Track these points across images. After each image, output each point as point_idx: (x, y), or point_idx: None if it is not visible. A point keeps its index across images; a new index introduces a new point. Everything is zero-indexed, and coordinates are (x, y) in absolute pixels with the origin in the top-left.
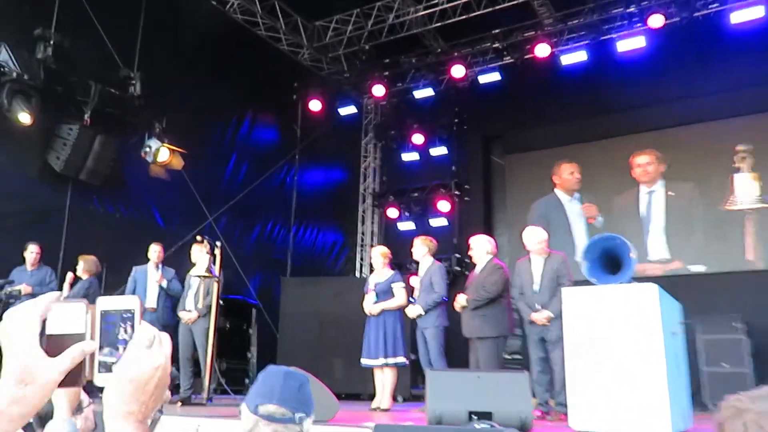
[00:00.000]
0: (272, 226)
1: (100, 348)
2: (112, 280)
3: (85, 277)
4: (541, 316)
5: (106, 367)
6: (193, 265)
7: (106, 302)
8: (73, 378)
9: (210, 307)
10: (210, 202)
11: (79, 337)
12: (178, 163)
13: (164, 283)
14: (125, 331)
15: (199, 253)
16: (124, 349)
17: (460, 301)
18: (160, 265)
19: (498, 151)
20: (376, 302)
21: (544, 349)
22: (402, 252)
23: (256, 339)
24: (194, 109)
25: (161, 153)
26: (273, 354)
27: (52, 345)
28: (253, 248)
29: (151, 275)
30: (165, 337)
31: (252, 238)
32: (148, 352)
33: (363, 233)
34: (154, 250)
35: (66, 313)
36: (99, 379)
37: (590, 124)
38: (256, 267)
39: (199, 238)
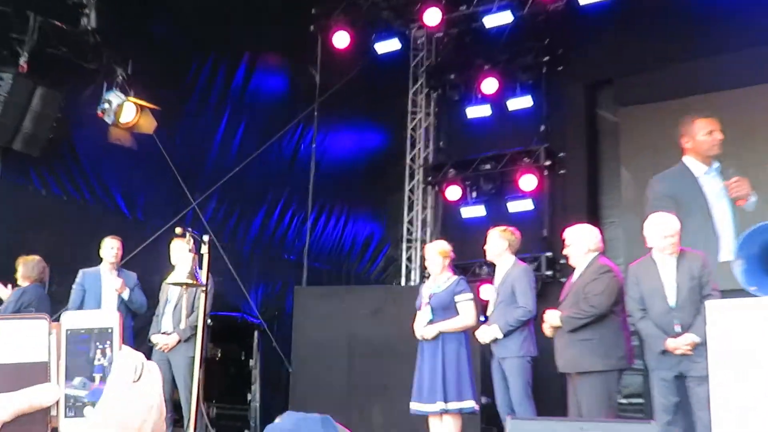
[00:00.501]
0: (281, 215)
1: (69, 378)
2: (58, 289)
3: (25, 284)
4: (682, 343)
5: (76, 409)
6: (172, 268)
7: (75, 319)
8: (27, 427)
9: (195, 328)
10: (194, 179)
11: (40, 368)
12: (148, 125)
13: (125, 293)
14: (103, 355)
15: (179, 252)
16: (102, 379)
17: (552, 320)
18: (118, 268)
19: (608, 103)
20: (431, 322)
21: (681, 389)
22: (469, 249)
23: (260, 374)
24: (170, 49)
25: (125, 111)
26: (283, 395)
27: (1, 379)
28: (255, 245)
29: (106, 282)
30: (153, 367)
31: (253, 231)
32: (135, 388)
33: (411, 223)
34: (110, 247)
35: (20, 333)
36: (66, 427)
37: (738, 63)
38: (258, 272)
39: (178, 230)
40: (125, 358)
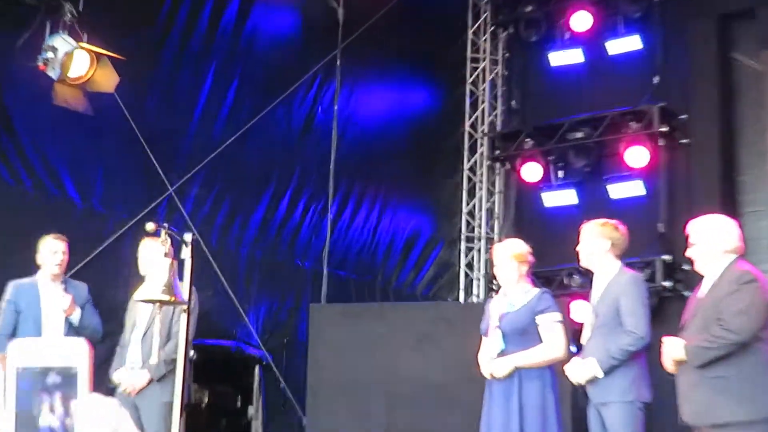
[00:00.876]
0: (291, 205)
1: None
2: None
3: None
4: None
5: None
6: (141, 280)
7: (26, 352)
8: None
9: (173, 362)
10: (170, 157)
11: None
12: (107, 82)
13: (75, 315)
14: (52, 410)
15: (151, 256)
16: None
17: (674, 351)
18: (64, 279)
19: (749, 44)
20: (503, 353)
21: None
22: (554, 252)
23: (263, 426)
24: None
25: (76, 62)
26: None
27: None
28: (255, 247)
29: (48, 299)
30: (125, 416)
31: (252, 227)
32: None
33: (471, 215)
34: (52, 250)
35: None
36: None
37: None
38: (260, 284)
39: (149, 227)
40: (94, 408)
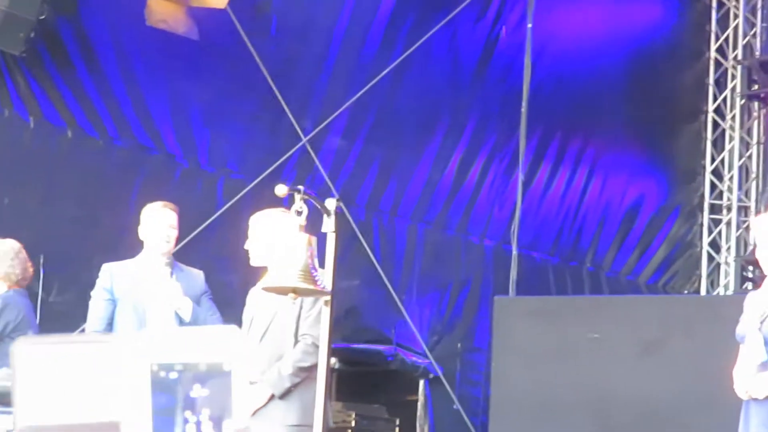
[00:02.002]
0: (464, 162)
1: None
2: (57, 298)
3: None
4: None
5: None
6: (262, 272)
7: (161, 344)
8: None
9: (302, 372)
10: (302, 99)
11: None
12: None
13: (186, 309)
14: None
15: (279, 230)
16: None
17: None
18: (167, 262)
19: None
20: (763, 366)
21: None
22: None
23: None
24: None
25: None
26: None
27: None
28: (416, 218)
29: (154, 287)
30: None
31: (411, 192)
32: None
33: (718, 175)
34: (163, 223)
35: (80, 370)
36: None
37: None
38: (424, 269)
39: (281, 190)
40: None
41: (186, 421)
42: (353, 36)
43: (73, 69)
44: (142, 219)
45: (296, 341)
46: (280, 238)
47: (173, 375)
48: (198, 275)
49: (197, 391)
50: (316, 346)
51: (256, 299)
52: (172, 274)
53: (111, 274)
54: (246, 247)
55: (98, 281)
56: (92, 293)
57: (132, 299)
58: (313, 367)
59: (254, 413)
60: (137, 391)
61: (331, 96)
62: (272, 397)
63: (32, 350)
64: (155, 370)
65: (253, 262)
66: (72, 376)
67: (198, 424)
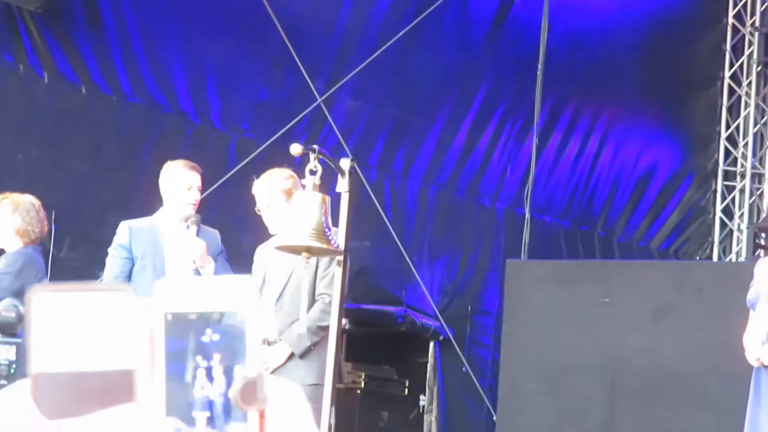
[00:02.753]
0: (477, 124)
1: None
2: (68, 254)
3: (15, 245)
4: None
5: None
6: (270, 232)
7: (176, 292)
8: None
9: (320, 332)
10: (318, 56)
11: (124, 381)
12: None
13: (208, 269)
14: (210, 377)
15: (298, 189)
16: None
17: None
18: (194, 220)
19: None
20: None
21: None
22: None
23: (439, 421)
24: None
25: None
26: None
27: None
28: (428, 179)
29: (175, 245)
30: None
31: (424, 153)
32: None
33: (733, 141)
34: (189, 184)
35: (90, 317)
36: None
37: None
38: (435, 231)
39: (296, 148)
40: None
41: (197, 366)
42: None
43: (88, 26)
44: (163, 176)
45: (313, 301)
46: (295, 199)
47: (187, 323)
48: (215, 235)
49: (208, 336)
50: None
51: (266, 258)
52: (198, 233)
53: (130, 232)
54: (257, 211)
55: (116, 238)
56: (109, 250)
57: (152, 257)
58: (327, 328)
59: (273, 372)
60: (152, 339)
61: (342, 56)
62: (292, 356)
63: (47, 297)
64: (169, 319)
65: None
66: (87, 324)
67: (209, 369)
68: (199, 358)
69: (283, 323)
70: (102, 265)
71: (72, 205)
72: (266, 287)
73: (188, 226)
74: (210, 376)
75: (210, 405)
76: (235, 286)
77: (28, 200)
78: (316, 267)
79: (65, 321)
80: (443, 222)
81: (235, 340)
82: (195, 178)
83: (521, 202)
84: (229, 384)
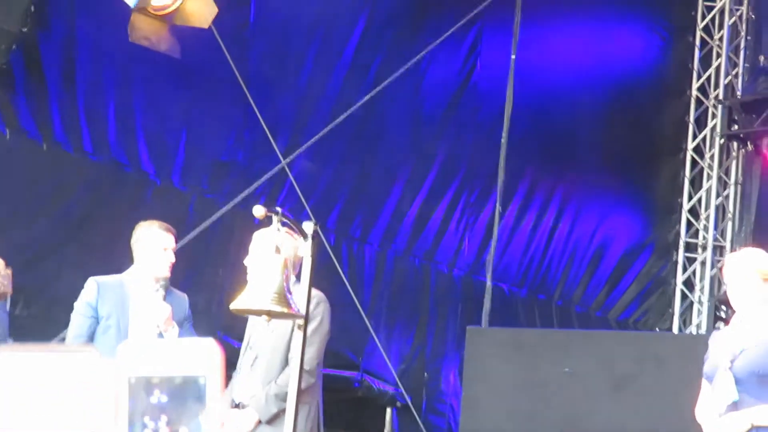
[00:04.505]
0: (434, 192)
1: None
2: (25, 311)
3: None
4: None
5: None
6: (240, 286)
7: (139, 356)
8: None
9: (284, 397)
10: (283, 120)
11: None
12: (201, 13)
13: (172, 333)
14: None
15: (255, 252)
16: None
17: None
18: (163, 284)
19: None
20: (734, 406)
21: None
22: None
23: None
24: None
25: None
26: None
27: None
28: (385, 243)
29: (140, 304)
30: None
31: (383, 217)
32: None
33: (695, 214)
34: (165, 245)
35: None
36: None
37: None
38: (393, 295)
39: (259, 211)
40: None
41: (145, 426)
42: (325, 62)
43: (51, 82)
44: (137, 235)
45: (286, 364)
46: (255, 259)
47: (147, 386)
48: (183, 299)
49: (156, 396)
50: (307, 371)
51: (255, 320)
52: (165, 297)
53: (98, 290)
54: (245, 262)
55: (82, 294)
56: (75, 304)
57: (116, 318)
58: (302, 393)
59: None
60: (114, 402)
61: (302, 118)
62: (259, 422)
63: (8, 357)
64: (133, 383)
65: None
66: (48, 387)
67: (155, 431)
68: (146, 418)
69: (258, 386)
70: (57, 323)
71: (29, 262)
72: (248, 350)
73: (157, 289)
74: None
75: None
76: (198, 349)
77: None
78: (292, 331)
79: (26, 383)
80: (401, 287)
81: (184, 401)
82: (170, 240)
83: (478, 269)
84: None
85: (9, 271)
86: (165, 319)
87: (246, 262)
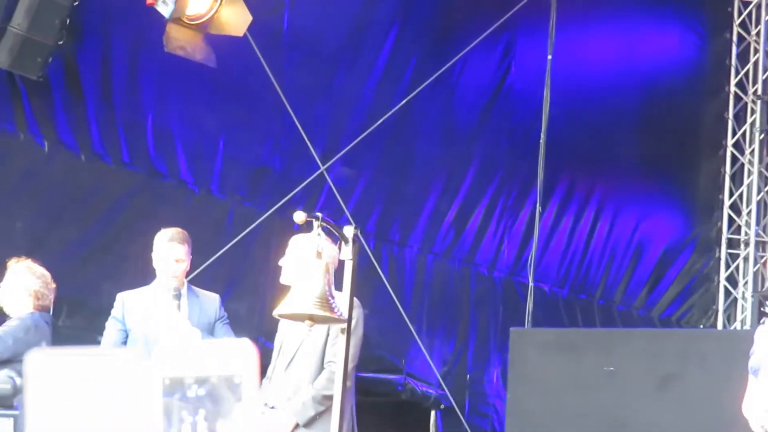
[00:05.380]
0: (472, 194)
1: None
2: (66, 322)
3: (24, 310)
4: None
5: None
6: (280, 292)
7: (175, 358)
8: None
9: (326, 400)
10: (322, 127)
11: None
12: (237, 22)
13: (194, 338)
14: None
15: (297, 258)
16: None
17: None
18: (177, 294)
19: None
20: None
21: None
22: None
23: None
24: None
25: None
26: None
27: None
28: (425, 247)
29: (162, 314)
30: None
31: (420, 222)
32: None
33: (737, 210)
34: (169, 254)
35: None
36: None
37: None
38: (434, 299)
39: (299, 216)
40: None
41: (182, 420)
42: (360, 68)
43: (88, 94)
44: (153, 246)
45: (321, 368)
46: (297, 265)
47: (185, 386)
48: (213, 300)
49: (194, 391)
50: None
51: (287, 324)
52: (179, 306)
53: (123, 304)
54: (279, 263)
55: (113, 310)
56: (108, 323)
57: (143, 330)
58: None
59: None
60: (149, 404)
61: (337, 124)
62: (297, 425)
63: (46, 361)
64: (167, 384)
65: (282, 279)
66: (84, 389)
67: (194, 424)
68: (184, 413)
69: (293, 390)
70: (99, 333)
71: (70, 273)
72: (281, 354)
73: (173, 296)
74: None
75: None
76: (232, 349)
77: (40, 268)
78: (327, 334)
79: (63, 387)
80: (441, 290)
81: (221, 399)
82: (176, 250)
83: (518, 270)
84: None
85: (54, 285)
86: (180, 330)
87: (281, 262)
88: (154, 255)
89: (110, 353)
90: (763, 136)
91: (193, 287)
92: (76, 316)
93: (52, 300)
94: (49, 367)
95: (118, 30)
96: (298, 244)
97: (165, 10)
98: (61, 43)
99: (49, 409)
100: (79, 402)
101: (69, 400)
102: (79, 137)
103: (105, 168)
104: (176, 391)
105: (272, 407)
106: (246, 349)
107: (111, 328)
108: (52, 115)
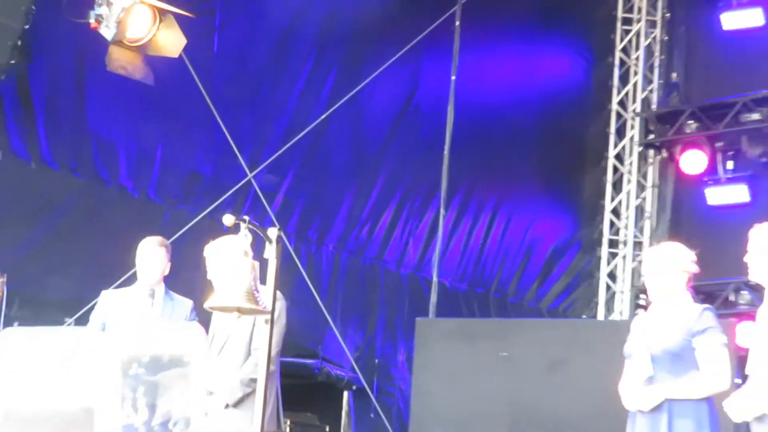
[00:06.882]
0: (384, 200)
1: None
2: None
3: None
4: None
5: None
6: (208, 289)
7: (130, 339)
8: None
9: (253, 383)
10: (249, 137)
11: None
12: (173, 44)
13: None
14: (135, 408)
15: (227, 257)
16: None
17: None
18: (152, 292)
19: None
20: (650, 381)
21: None
22: (718, 260)
23: None
24: None
25: (135, 19)
26: None
27: None
28: (341, 246)
29: (137, 313)
30: None
31: (337, 223)
32: None
33: (617, 214)
34: (140, 258)
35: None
36: None
37: None
38: (347, 292)
39: (228, 219)
40: None
41: (124, 397)
42: (283, 85)
43: (38, 107)
44: (143, 248)
45: (250, 354)
46: (227, 262)
47: (140, 365)
48: (185, 304)
49: (134, 369)
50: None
51: (218, 316)
52: (153, 304)
53: (106, 302)
54: (204, 254)
55: (96, 306)
56: (91, 316)
57: (120, 326)
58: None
59: (210, 420)
60: (109, 379)
61: (263, 136)
62: (227, 406)
63: (16, 338)
64: (125, 360)
65: (209, 275)
66: (50, 365)
67: (134, 399)
68: (126, 390)
69: (223, 374)
70: (46, 323)
71: (19, 268)
72: (213, 342)
73: (149, 295)
74: (135, 407)
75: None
76: (184, 332)
77: None
78: (253, 324)
79: (31, 362)
80: (354, 284)
81: (161, 376)
82: (152, 257)
83: (422, 267)
84: (152, 414)
85: (3, 278)
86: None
87: (206, 254)
88: (146, 255)
89: (75, 332)
90: (640, 149)
91: (170, 291)
92: (26, 308)
93: (3, 292)
94: (18, 344)
95: (65, 50)
96: (216, 248)
97: (107, 33)
98: (13, 62)
99: (17, 385)
100: (46, 377)
101: (36, 376)
102: (30, 147)
103: (53, 174)
104: (130, 367)
105: (210, 392)
106: (196, 332)
107: (92, 324)
108: (5, 128)
